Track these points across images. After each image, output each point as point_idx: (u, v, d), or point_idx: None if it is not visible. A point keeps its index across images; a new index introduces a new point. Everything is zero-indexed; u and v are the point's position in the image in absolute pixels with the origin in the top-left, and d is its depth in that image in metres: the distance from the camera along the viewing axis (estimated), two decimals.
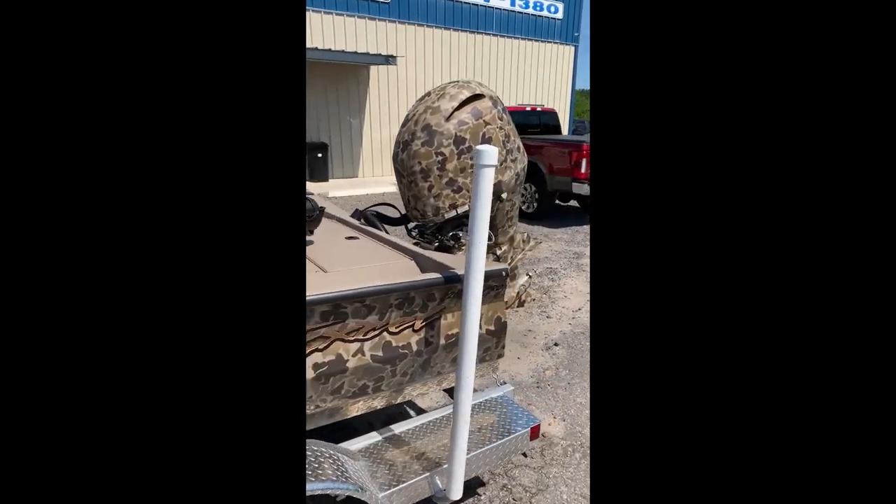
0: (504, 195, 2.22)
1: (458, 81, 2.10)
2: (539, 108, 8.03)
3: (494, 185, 1.86)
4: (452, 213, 2.13)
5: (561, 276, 4.41)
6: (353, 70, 9.89)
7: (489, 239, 2.41)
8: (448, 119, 1.97)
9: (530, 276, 2.90)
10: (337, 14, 9.69)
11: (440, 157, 1.98)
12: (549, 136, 7.43)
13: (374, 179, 10.47)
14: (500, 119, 2.10)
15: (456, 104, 1.99)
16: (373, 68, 10.05)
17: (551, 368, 2.82)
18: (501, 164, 2.13)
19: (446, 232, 2.28)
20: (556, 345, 3.09)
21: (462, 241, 2.31)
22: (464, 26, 11.69)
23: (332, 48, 9.31)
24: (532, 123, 8.04)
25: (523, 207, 6.93)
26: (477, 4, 11.78)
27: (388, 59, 9.24)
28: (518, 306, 2.88)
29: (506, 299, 2.75)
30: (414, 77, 11.09)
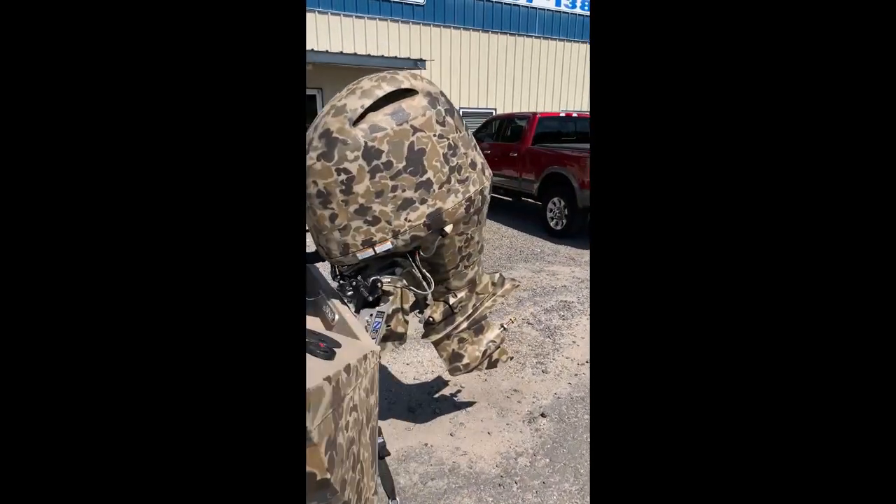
0: (448, 228, 1.58)
1: (382, 73, 1.48)
2: (575, 115, 7.22)
3: (432, 213, 1.42)
4: (367, 253, 1.51)
5: (575, 313, 3.66)
6: None
7: (424, 287, 1.78)
8: (356, 123, 1.36)
9: (504, 328, 2.22)
10: (369, 18, 9.37)
11: (344, 176, 1.36)
12: (580, 146, 6.59)
13: None
14: (442, 125, 1.47)
15: (368, 102, 1.36)
16: None
17: (527, 454, 2.13)
18: (441, 186, 1.48)
19: (367, 277, 1.67)
20: (542, 415, 2.39)
21: (385, 289, 1.69)
22: (503, 28, 11.06)
23: (359, 52, 8.99)
24: (567, 131, 7.25)
25: (551, 224, 6.17)
26: (518, 5, 11.13)
27: (417, 64, 8.78)
28: (488, 367, 2.21)
29: (467, 360, 2.11)
30: (448, 81, 10.60)
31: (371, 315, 1.64)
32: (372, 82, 1.43)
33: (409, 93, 1.45)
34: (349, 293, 1.66)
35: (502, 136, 7.33)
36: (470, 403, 2.50)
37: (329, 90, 9.13)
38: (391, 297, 1.70)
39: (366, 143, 1.34)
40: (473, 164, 1.61)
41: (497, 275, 2.16)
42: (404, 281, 1.72)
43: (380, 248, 1.48)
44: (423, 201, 1.44)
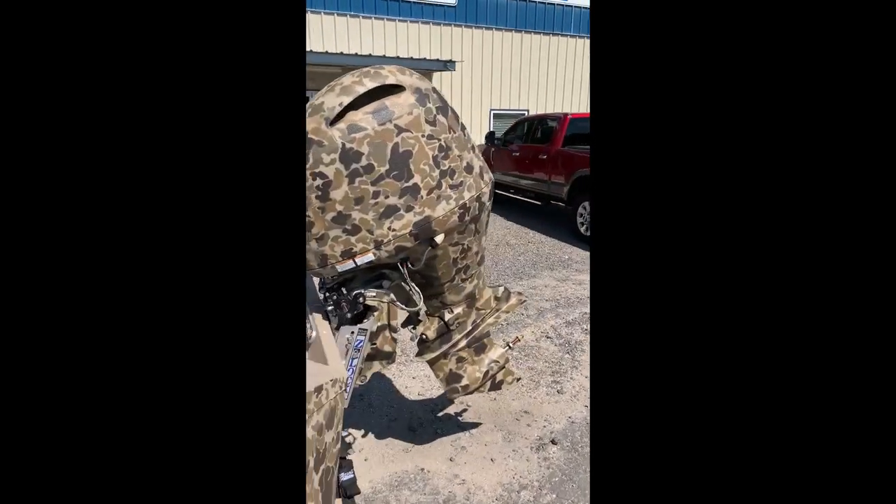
0: (439, 238, 1.41)
1: (366, 68, 1.34)
2: None
3: (419, 222, 1.30)
4: (348, 265, 1.37)
5: None
6: None
7: (413, 303, 1.62)
8: (333, 123, 1.23)
9: (510, 347, 2.03)
10: (400, 21, 9.34)
11: (320, 181, 1.25)
12: None
13: None
14: (432, 124, 1.33)
15: (347, 100, 1.22)
16: (435, 75, 9.56)
17: (532, 487, 1.93)
18: (430, 192, 1.32)
19: (351, 290, 1.53)
20: (553, 442, 2.18)
21: (369, 304, 1.54)
22: (537, 28, 10.78)
23: (388, 55, 8.96)
24: None
25: (581, 230, 5.88)
26: (553, 4, 10.83)
27: (447, 65, 8.66)
28: (492, 389, 2.03)
29: (466, 382, 1.93)
30: (479, 82, 10.43)
31: (352, 333, 1.49)
32: (353, 78, 1.29)
33: (394, 89, 1.30)
34: (330, 308, 1.52)
35: (532, 137, 7.08)
36: (475, 425, 2.32)
37: None
38: (376, 313, 1.55)
39: (343, 144, 1.21)
40: (469, 168, 1.44)
41: (501, 288, 1.97)
42: (392, 295, 1.56)
43: (361, 260, 1.34)
44: (409, 208, 1.29)
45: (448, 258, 1.57)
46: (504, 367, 1.98)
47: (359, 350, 1.50)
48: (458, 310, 1.80)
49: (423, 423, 2.35)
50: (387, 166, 1.24)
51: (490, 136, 8.04)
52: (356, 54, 8.53)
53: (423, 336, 1.78)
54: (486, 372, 1.92)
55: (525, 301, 2.06)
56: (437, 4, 9.60)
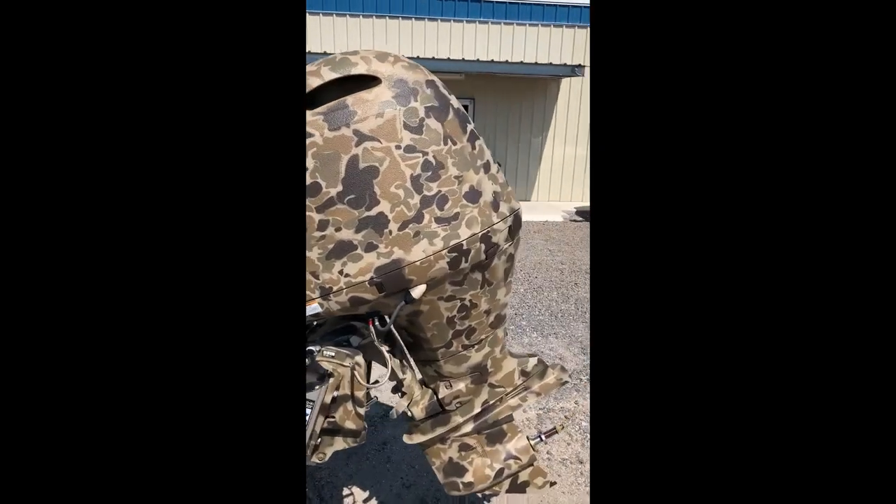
0: (417, 291, 1.01)
1: (335, 55, 0.97)
2: None
3: (384, 266, 0.97)
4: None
5: None
6: (533, 84, 8.92)
7: (398, 371, 1.19)
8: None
9: (542, 439, 1.50)
10: (531, 25, 8.89)
11: None
12: None
13: (548, 204, 9.32)
14: (415, 131, 0.95)
15: (315, 95, 0.93)
16: (564, 81, 8.91)
17: None
18: (404, 227, 0.96)
19: (309, 343, 1.20)
20: None
21: (324, 365, 1.17)
22: None
23: (512, 60, 8.56)
24: None
25: None
26: None
27: (575, 70, 7.97)
28: (510, 491, 1.51)
29: (470, 479, 1.45)
30: None
31: None
32: (311, 68, 0.94)
33: (367, 81, 0.93)
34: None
35: None
36: None
37: (481, 100, 8.93)
38: (331, 381, 1.17)
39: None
40: (474, 195, 1.00)
41: (532, 360, 1.44)
42: (358, 358, 1.18)
43: (336, 300, 0.99)
44: (370, 247, 0.95)
45: (439, 317, 1.13)
46: (532, 466, 1.46)
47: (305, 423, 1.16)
48: (460, 386, 1.33)
49: (440, 499, 1.92)
50: (339, 187, 0.92)
51: None
52: (478, 60, 8.32)
53: (410, 413, 1.35)
54: (501, 470, 1.42)
55: (567, 381, 1.50)
56: (566, 6, 8.92)
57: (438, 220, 0.96)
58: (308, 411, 1.14)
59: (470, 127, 1.05)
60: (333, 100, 0.91)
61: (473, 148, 1.03)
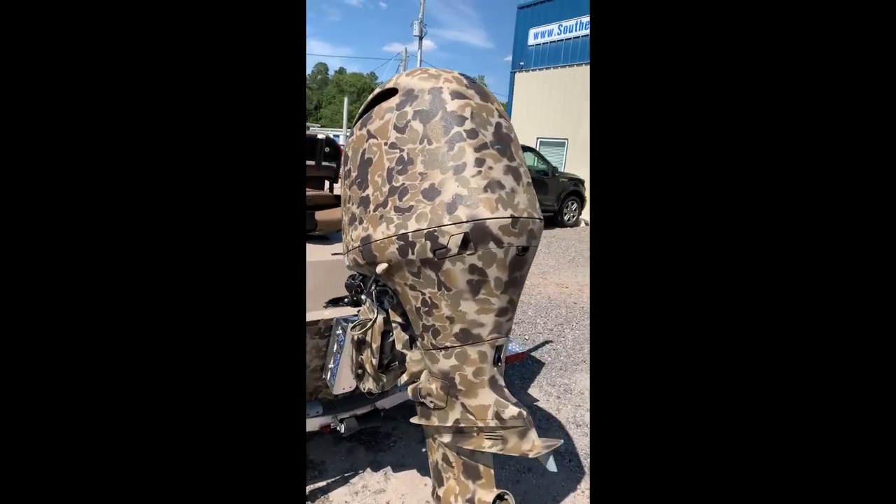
0: (379, 267, 1.15)
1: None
2: None
3: (364, 238, 1.17)
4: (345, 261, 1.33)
5: None
6: None
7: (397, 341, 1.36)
8: (353, 126, 1.28)
9: (503, 498, 1.28)
10: None
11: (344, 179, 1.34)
12: None
13: None
14: (400, 131, 1.11)
15: (364, 106, 1.25)
16: None
17: None
18: (375, 209, 1.14)
19: (359, 293, 1.52)
20: None
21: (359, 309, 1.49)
22: None
23: None
24: None
25: None
26: None
27: None
28: None
29: (441, 495, 1.31)
30: None
31: (336, 321, 1.54)
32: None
33: (386, 95, 1.18)
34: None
35: None
36: None
37: None
38: (357, 323, 1.41)
39: (344, 149, 1.29)
40: (431, 193, 1.03)
41: (512, 409, 1.19)
42: (381, 317, 1.34)
43: (345, 260, 1.30)
44: (360, 221, 1.19)
45: (409, 304, 1.18)
46: None
47: (341, 346, 1.49)
48: (433, 385, 1.24)
49: None
50: (356, 172, 1.20)
51: None
52: None
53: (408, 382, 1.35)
54: None
55: (557, 445, 1.21)
56: None
57: (396, 209, 1.07)
58: (339, 332, 1.52)
59: (456, 130, 1.06)
60: (369, 109, 1.19)
61: (450, 150, 1.05)
